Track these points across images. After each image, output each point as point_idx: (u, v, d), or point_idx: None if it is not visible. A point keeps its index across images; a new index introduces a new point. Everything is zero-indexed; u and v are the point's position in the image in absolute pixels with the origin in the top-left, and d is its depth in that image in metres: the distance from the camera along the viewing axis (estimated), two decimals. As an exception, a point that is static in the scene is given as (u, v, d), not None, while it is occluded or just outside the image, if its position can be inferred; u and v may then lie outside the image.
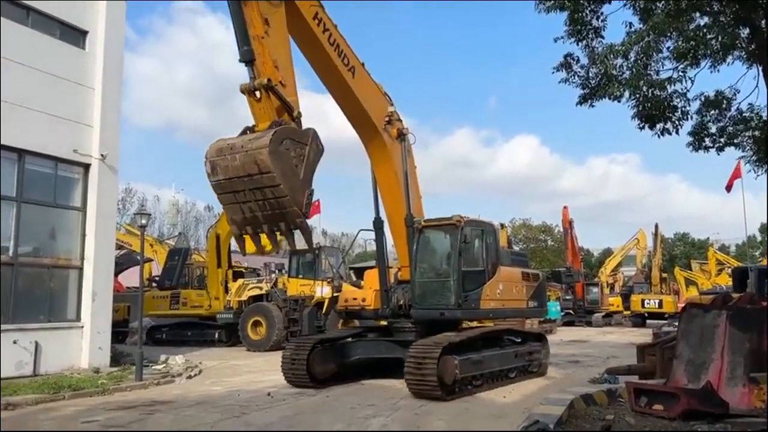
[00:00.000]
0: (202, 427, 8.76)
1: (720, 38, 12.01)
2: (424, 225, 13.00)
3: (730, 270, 38.66)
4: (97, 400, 11.28)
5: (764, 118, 12.97)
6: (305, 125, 8.98)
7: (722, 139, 13.44)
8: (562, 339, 25.95)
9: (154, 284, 27.52)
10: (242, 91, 8.97)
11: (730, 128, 13.41)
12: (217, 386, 13.02)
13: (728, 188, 31.95)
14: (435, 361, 10.63)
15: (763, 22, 11.33)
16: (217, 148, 8.46)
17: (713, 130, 13.43)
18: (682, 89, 12.26)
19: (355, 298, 13.95)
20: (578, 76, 12.45)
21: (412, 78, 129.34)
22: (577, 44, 12.20)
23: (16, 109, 13.57)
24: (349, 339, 13.48)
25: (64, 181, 14.96)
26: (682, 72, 12.11)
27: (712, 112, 13.25)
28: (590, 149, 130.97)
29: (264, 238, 8.81)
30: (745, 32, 12.00)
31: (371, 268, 14.98)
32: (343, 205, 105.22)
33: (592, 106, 12.58)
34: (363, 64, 12.24)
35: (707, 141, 13.48)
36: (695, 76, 12.26)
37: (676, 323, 11.07)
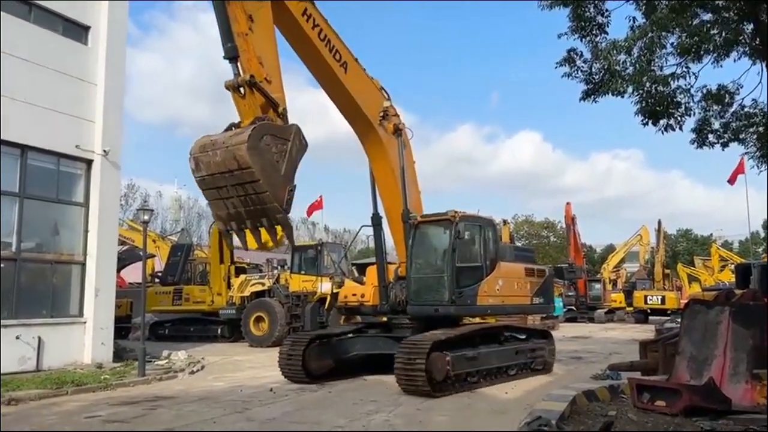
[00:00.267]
0: (204, 423, 8.77)
1: (723, 34, 11.96)
2: (420, 220, 12.93)
3: (733, 266, 38.64)
4: (100, 395, 11.32)
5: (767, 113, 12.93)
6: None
7: (726, 135, 13.40)
8: (564, 335, 25.93)
9: (156, 280, 27.56)
10: (227, 88, 9.08)
11: (734, 124, 13.36)
12: (219, 382, 13.05)
13: (731, 181, 31.79)
14: (424, 358, 10.56)
15: (767, 17, 11.28)
16: (201, 145, 8.58)
17: (716, 125, 13.39)
18: (685, 85, 12.24)
19: (354, 294, 13.96)
20: (581, 71, 12.43)
21: (415, 74, 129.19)
22: (581, 40, 12.17)
23: (19, 104, 13.59)
24: (349, 335, 13.42)
25: (66, 177, 14.98)
26: (685, 68, 12.07)
27: (715, 107, 13.19)
28: (593, 145, 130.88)
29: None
30: (749, 28, 11.95)
31: (374, 264, 14.96)
32: (345, 201, 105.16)
33: (595, 102, 12.56)
34: (356, 59, 12.19)
35: (711, 137, 13.44)
36: (699, 71, 12.24)
37: (679, 319, 11.06)
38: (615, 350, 18.86)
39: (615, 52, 11.80)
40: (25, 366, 13.13)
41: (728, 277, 41.07)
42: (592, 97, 12.51)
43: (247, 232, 8.89)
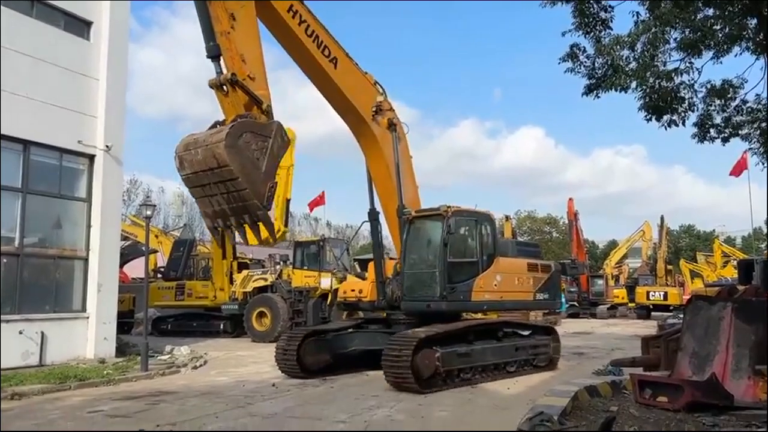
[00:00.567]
0: (206, 417, 8.79)
1: (727, 29, 11.92)
2: (414, 216, 12.85)
3: (735, 262, 38.57)
4: (103, 390, 11.35)
5: (770, 108, 12.90)
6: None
7: (727, 130, 13.35)
8: (566, 331, 25.92)
9: (159, 275, 27.62)
10: (210, 86, 9.15)
11: (736, 119, 13.32)
12: (222, 377, 13.08)
13: (735, 174, 31.69)
14: (410, 354, 10.48)
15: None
16: (185, 143, 8.69)
17: (718, 120, 13.34)
18: (689, 80, 12.19)
19: (353, 290, 13.95)
20: (584, 66, 12.38)
21: (416, 69, 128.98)
22: (585, 36, 12.13)
23: (21, 100, 13.60)
24: (348, 330, 13.39)
25: (69, 172, 15.00)
26: (689, 63, 12.03)
27: (717, 102, 13.15)
28: (595, 141, 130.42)
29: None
30: (752, 23, 11.90)
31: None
32: (347, 197, 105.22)
33: (598, 97, 12.51)
34: (348, 55, 12.14)
35: (712, 132, 13.40)
36: (702, 66, 12.19)
37: (681, 315, 11.04)
38: (617, 346, 18.86)
39: (618, 47, 11.77)
40: (28, 361, 13.18)
41: (731, 273, 41.08)
42: (595, 92, 12.47)
43: (246, 227, 8.95)
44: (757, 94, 13.11)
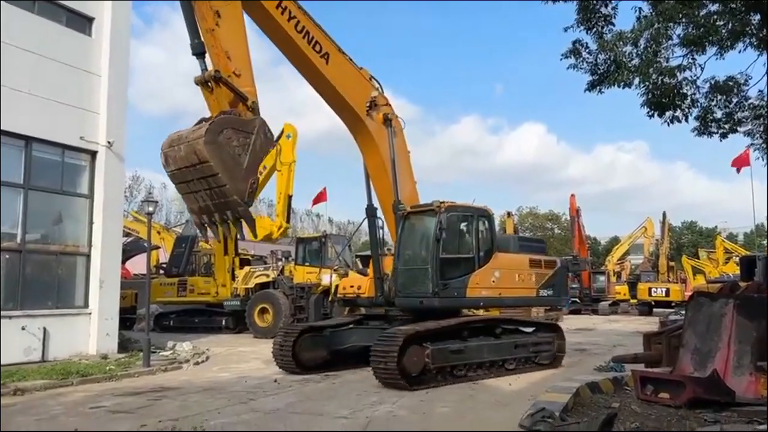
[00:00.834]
0: (208, 413, 8.80)
1: (730, 25, 11.86)
2: (408, 211, 12.74)
3: (737, 258, 38.52)
4: (105, 385, 11.37)
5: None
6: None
7: (727, 126, 13.30)
8: (568, 327, 25.76)
9: (161, 271, 27.64)
10: (196, 84, 9.23)
11: (737, 115, 13.26)
12: (224, 372, 13.11)
13: (736, 167, 31.60)
14: (396, 351, 10.40)
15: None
16: (170, 140, 8.78)
17: (719, 115, 13.28)
18: (691, 76, 12.15)
19: (351, 286, 13.93)
20: (587, 62, 12.34)
21: (418, 66, 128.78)
22: (588, 33, 12.08)
23: (23, 96, 13.60)
24: (347, 326, 13.33)
25: (71, 168, 15.01)
26: (692, 59, 11.99)
27: (720, 97, 13.10)
28: (598, 137, 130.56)
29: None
30: (755, 19, 11.85)
31: (381, 256, 14.90)
32: (349, 193, 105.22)
33: (601, 93, 12.46)
34: (341, 50, 12.10)
35: (712, 126, 13.34)
36: (705, 63, 12.14)
37: (683, 312, 11.03)
38: (619, 342, 18.87)
39: (621, 43, 11.72)
40: (30, 357, 13.21)
41: (733, 270, 40.99)
42: (598, 88, 12.42)
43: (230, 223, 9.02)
44: (759, 90, 13.07)
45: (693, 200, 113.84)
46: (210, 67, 9.23)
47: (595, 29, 11.95)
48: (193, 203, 8.92)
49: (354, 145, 13.32)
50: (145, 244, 18.05)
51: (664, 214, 43.55)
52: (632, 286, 41.72)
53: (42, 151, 14.33)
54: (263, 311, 21.44)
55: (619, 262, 48.92)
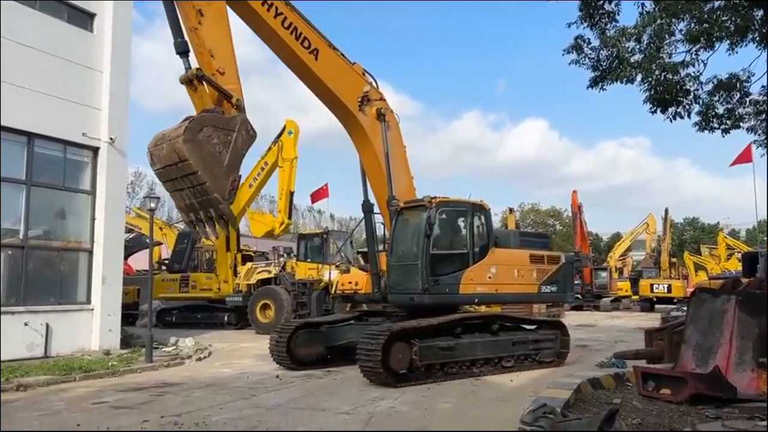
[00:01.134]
0: (210, 409, 8.83)
1: (733, 20, 11.82)
2: (401, 207, 12.59)
3: (739, 255, 38.47)
4: (108, 381, 11.41)
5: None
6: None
7: (729, 121, 13.26)
8: (570, 323, 25.73)
9: (163, 267, 27.70)
10: (181, 82, 9.30)
11: (739, 111, 13.23)
12: (226, 368, 13.14)
13: (742, 162, 31.47)
14: (380, 348, 10.29)
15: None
16: (156, 139, 8.87)
17: (720, 110, 13.24)
18: (694, 73, 12.12)
19: (350, 282, 13.92)
20: (589, 58, 12.31)
21: (420, 62, 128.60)
22: (590, 29, 12.04)
23: (25, 92, 13.61)
24: (345, 322, 13.28)
25: (73, 165, 15.03)
26: (694, 55, 11.95)
27: (722, 93, 13.06)
28: (600, 133, 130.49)
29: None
30: (759, 14, 11.81)
31: (380, 252, 14.92)
32: (350, 189, 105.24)
33: (603, 89, 12.43)
34: (331, 45, 12.05)
35: (714, 122, 13.30)
36: (708, 59, 12.11)
37: (685, 308, 11.02)
38: (620, 338, 18.85)
39: (624, 39, 11.69)
40: (33, 352, 13.25)
41: (735, 266, 40.95)
42: (600, 84, 12.39)
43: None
44: (762, 86, 13.04)
45: (695, 196, 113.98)
46: (194, 65, 9.27)
47: (597, 25, 11.92)
48: (179, 201, 9.03)
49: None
50: (147, 240, 18.09)
51: (666, 211, 43.58)
52: (634, 282, 41.76)
53: (44, 147, 14.34)
54: (265, 307, 21.47)
55: (620, 258, 48.94)
